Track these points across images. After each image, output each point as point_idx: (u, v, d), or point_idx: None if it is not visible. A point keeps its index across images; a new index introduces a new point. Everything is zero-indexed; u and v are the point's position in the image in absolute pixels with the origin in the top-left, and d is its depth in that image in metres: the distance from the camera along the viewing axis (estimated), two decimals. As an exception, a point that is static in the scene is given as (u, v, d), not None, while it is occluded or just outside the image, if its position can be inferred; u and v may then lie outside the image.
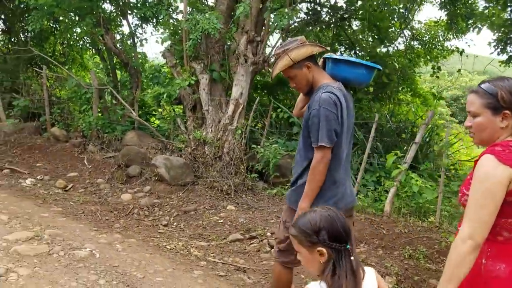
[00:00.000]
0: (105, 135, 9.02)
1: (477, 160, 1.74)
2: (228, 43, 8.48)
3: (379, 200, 6.31)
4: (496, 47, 8.58)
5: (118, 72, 10.48)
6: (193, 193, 6.74)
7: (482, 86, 1.79)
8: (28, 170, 8.07)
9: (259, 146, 7.28)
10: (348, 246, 1.59)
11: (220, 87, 8.33)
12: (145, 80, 9.93)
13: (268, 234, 5.21)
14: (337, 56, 2.99)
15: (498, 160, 1.65)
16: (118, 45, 9.59)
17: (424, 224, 5.67)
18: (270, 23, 7.79)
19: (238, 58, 7.63)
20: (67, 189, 6.98)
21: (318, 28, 10.72)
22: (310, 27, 9.90)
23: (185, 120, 8.41)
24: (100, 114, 9.34)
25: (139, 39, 10.09)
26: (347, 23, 11.14)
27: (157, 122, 10.30)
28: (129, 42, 10.07)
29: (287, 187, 6.99)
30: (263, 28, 7.95)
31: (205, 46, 8.25)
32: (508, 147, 1.70)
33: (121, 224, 5.42)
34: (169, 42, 8.56)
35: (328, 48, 3.00)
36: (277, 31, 8.19)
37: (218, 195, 6.65)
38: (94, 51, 10.87)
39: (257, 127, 8.42)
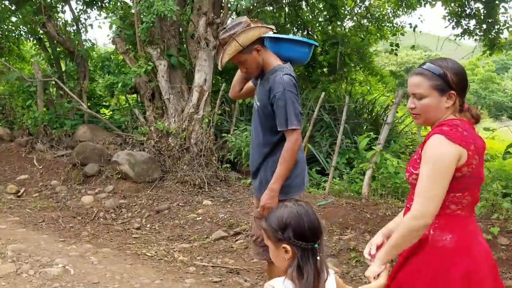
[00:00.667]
0: (53, 131, 8.25)
1: (425, 141, 1.77)
2: (185, 26, 7.95)
3: (354, 182, 6.14)
4: (450, 21, 8.60)
5: (62, 62, 9.61)
6: (162, 190, 6.26)
7: (428, 67, 1.80)
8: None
9: (229, 135, 6.88)
10: (316, 246, 1.55)
11: (179, 73, 7.80)
12: (93, 69, 9.19)
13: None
14: (280, 35, 2.90)
15: (448, 139, 1.70)
16: (61, 32, 8.77)
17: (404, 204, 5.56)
18: (229, 4, 7.35)
19: (198, 42, 7.13)
20: (19, 194, 6.29)
21: (275, 9, 10.34)
22: (269, 8, 9.50)
23: (143, 110, 7.84)
24: (45, 109, 8.52)
25: (84, 25, 9.28)
26: (304, 3, 10.82)
27: (109, 114, 9.61)
28: (73, 29, 9.24)
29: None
30: (221, 9, 7.50)
31: (160, 29, 7.68)
32: (455, 126, 1.74)
33: (88, 232, 4.89)
34: (116, 27, 7.87)
35: (273, 27, 2.73)
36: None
37: (190, 190, 6.21)
38: (33, 41, 9.88)
39: (222, 115, 7.98)
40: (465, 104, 1.85)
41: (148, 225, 5.23)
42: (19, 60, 11.44)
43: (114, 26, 7.62)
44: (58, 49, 9.36)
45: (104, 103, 9.75)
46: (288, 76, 2.59)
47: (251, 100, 7.60)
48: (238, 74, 2.92)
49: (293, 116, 2.54)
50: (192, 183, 6.31)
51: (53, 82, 8.76)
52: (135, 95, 8.11)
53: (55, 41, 9.17)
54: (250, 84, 2.95)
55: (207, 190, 6.22)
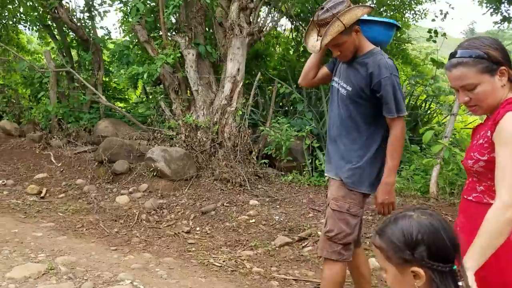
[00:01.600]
0: (69, 126, 7.69)
1: (495, 122, 1.59)
2: (212, 12, 7.42)
3: (412, 180, 5.72)
4: (488, 7, 8.17)
5: (73, 51, 9.00)
6: (200, 188, 5.77)
7: (464, 54, 1.64)
8: (-19, 174, 6.66)
9: (267, 128, 6.40)
10: (455, 267, 1.19)
11: (207, 63, 7.29)
12: (110, 60, 8.61)
13: (319, 233, 4.44)
14: (373, 17, 2.67)
15: None
16: (74, 19, 8.16)
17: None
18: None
19: (232, 28, 6.61)
20: (42, 195, 5.73)
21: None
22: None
23: (168, 103, 7.31)
24: (58, 102, 7.93)
25: (98, 11, 8.67)
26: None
27: (127, 107, 9.04)
28: (86, 15, 8.62)
29: (304, 171, 6.24)
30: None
31: (185, 16, 7.16)
32: None
33: (139, 238, 4.38)
34: (136, 14, 7.28)
35: (372, 7, 2.57)
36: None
37: (230, 188, 5.74)
38: (39, 29, 9.21)
39: (256, 108, 7.48)
40: None
41: (198, 228, 4.74)
42: (18, 50, 10.72)
43: (134, 13, 7.02)
44: (68, 37, 8.77)
45: (120, 96, 9.19)
46: (391, 60, 2.44)
47: (283, 90, 7.12)
48: (311, 59, 2.76)
49: (402, 103, 2.40)
50: (232, 181, 5.83)
51: (65, 73, 8.18)
52: (158, 88, 7.54)
53: (66, 29, 8.57)
54: (325, 69, 2.78)
55: (249, 189, 5.74)
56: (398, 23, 2.72)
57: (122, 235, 4.42)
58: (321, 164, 6.25)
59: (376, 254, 1.30)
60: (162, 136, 6.81)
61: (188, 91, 7.34)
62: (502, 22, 8.02)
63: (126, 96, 9.58)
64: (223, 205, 5.27)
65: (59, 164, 6.83)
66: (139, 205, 5.30)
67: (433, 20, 9.14)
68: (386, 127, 2.48)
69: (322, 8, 2.44)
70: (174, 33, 7.12)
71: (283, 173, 6.40)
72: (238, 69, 6.64)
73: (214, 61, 7.45)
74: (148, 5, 7.22)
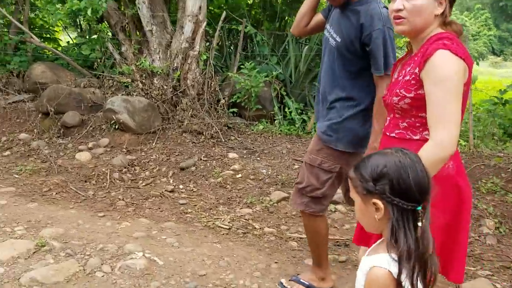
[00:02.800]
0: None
1: (425, 59, 1.54)
2: None
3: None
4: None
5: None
6: (169, 142, 5.27)
7: None
8: None
9: (235, 74, 5.94)
10: (418, 208, 1.17)
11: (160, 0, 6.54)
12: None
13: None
14: None
15: (455, 54, 1.50)
16: None
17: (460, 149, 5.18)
18: None
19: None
20: (-17, 153, 4.90)
21: None
22: None
23: (116, 44, 6.51)
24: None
25: None
26: None
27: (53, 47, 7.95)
28: None
29: (276, 120, 5.96)
30: None
31: None
32: (454, 39, 1.56)
33: (123, 200, 3.87)
34: None
35: None
36: None
37: (202, 141, 5.31)
38: None
39: (219, 52, 6.89)
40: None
41: (181, 186, 4.31)
42: None
43: None
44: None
45: (47, 36, 8.03)
46: (386, 10, 2.06)
47: (249, 31, 6.62)
48: (304, 5, 2.47)
49: (392, 59, 2.13)
50: (203, 132, 5.40)
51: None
52: (102, 26, 6.64)
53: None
54: (319, 16, 2.49)
55: (223, 141, 5.36)
56: None
57: (101, 198, 3.88)
58: (291, 112, 6.00)
59: (350, 186, 1.29)
60: (115, 83, 6.09)
61: (137, 31, 6.57)
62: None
63: (55, 36, 8.42)
64: (200, 159, 4.85)
65: (-11, 113, 5.89)
66: (104, 162, 4.71)
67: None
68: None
69: None
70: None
71: (252, 122, 6.06)
72: (200, 7, 6.00)
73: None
74: None
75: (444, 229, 1.61)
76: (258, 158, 4.97)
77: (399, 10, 1.60)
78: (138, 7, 6.15)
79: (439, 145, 1.50)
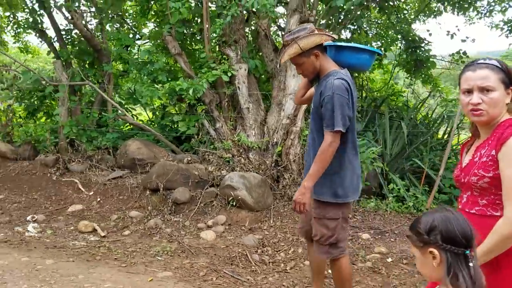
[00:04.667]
0: (86, 148, 6.57)
1: (501, 142, 1.70)
2: (255, 24, 6.81)
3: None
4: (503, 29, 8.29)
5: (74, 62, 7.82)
6: (286, 219, 5.07)
7: (491, 62, 1.76)
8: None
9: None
10: (467, 252, 1.41)
11: (253, 79, 6.64)
12: (125, 69, 7.57)
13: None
14: (341, 43, 2.93)
15: None
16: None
17: None
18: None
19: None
20: (103, 234, 4.67)
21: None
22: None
23: (210, 122, 6.50)
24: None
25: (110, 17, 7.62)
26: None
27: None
28: (95, 22, 7.54)
29: (389, 197, 5.77)
30: (309, 5, 6.51)
31: (229, 28, 6.47)
32: None
33: None
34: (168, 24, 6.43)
35: (336, 37, 2.84)
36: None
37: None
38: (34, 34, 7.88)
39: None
40: None
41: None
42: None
43: (176, 17, 6.18)
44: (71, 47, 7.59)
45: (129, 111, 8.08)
46: (340, 80, 2.64)
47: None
48: (303, 80, 3.02)
49: (339, 118, 2.60)
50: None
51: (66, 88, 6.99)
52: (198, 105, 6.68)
53: (73, 37, 7.46)
54: (312, 90, 3.01)
55: (340, 218, 5.14)
56: (374, 49, 2.99)
57: (264, 284, 3.60)
58: (399, 189, 5.83)
59: (410, 245, 1.55)
60: (217, 159, 6.00)
61: (229, 109, 6.59)
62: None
63: (134, 113, 8.49)
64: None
65: (91, 193, 5.75)
66: (233, 242, 4.48)
67: (464, 40, 8.98)
68: (342, 141, 2.68)
69: (289, 31, 2.79)
70: (222, 46, 6.38)
71: (369, 197, 5.87)
72: (302, 86, 6.06)
73: (259, 76, 6.83)
74: (188, 11, 6.38)
75: None
76: (392, 239, 4.73)
77: (478, 104, 1.75)
78: (238, 87, 6.24)
79: (510, 222, 1.63)
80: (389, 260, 4.20)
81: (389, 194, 5.76)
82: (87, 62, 7.52)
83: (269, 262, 4.15)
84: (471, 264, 1.40)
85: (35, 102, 7.29)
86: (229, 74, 6.04)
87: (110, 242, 4.45)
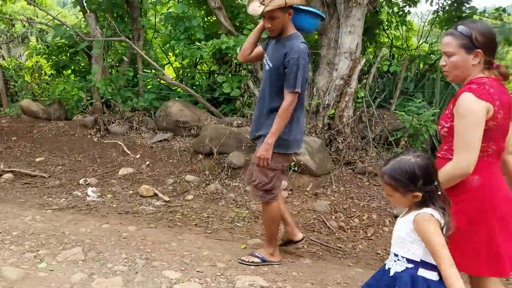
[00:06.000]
0: (123, 108, 6.27)
1: (456, 98, 1.96)
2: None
3: None
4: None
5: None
6: (349, 184, 4.90)
7: (458, 28, 2.00)
8: (35, 170, 5.15)
9: (401, 112, 5.62)
10: (435, 183, 1.72)
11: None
12: (160, 25, 7.17)
13: None
14: (304, 6, 2.96)
15: (476, 96, 1.89)
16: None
17: None
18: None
19: (353, -4, 5.67)
20: (167, 198, 4.48)
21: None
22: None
23: (257, 82, 6.21)
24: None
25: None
26: None
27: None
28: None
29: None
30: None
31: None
32: (482, 84, 1.94)
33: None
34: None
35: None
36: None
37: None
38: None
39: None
40: (494, 62, 2.02)
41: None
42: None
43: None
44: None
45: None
46: (304, 44, 2.83)
47: (396, 69, 6.35)
48: (250, 38, 3.13)
49: (300, 81, 2.78)
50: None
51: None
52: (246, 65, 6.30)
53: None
54: (259, 48, 3.14)
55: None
56: (323, 14, 3.07)
57: (364, 252, 3.46)
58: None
59: (385, 188, 1.80)
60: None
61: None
62: None
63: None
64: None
65: (138, 156, 5.52)
66: (303, 208, 4.33)
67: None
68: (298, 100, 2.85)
69: None
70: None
71: None
72: (357, 44, 5.77)
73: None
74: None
75: (462, 229, 1.89)
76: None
77: (443, 66, 2.07)
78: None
79: (456, 166, 1.91)
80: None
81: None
82: (116, 15, 7.06)
83: (347, 229, 4.01)
84: (439, 192, 1.72)
85: (65, 59, 6.89)
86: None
87: (178, 207, 4.26)
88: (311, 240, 3.63)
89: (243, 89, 6.10)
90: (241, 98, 6.07)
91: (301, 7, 2.91)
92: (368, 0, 5.76)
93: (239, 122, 5.73)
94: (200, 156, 5.26)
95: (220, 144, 5.20)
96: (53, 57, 6.86)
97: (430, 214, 1.68)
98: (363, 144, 5.59)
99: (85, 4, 6.81)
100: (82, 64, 7.13)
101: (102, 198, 4.42)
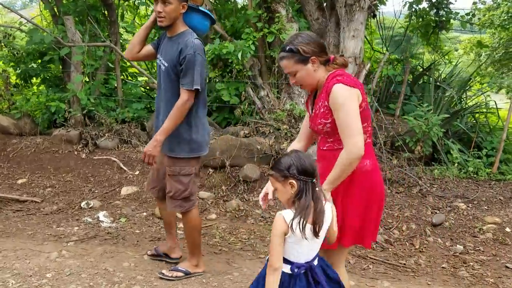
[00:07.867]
0: (105, 119, 5.68)
1: (327, 94, 2.06)
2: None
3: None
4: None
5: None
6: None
7: (286, 49, 2.12)
8: (23, 194, 4.53)
9: (409, 117, 5.52)
10: (314, 180, 1.81)
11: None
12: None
13: None
14: (197, 6, 2.89)
15: (346, 84, 2.01)
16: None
17: None
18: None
19: (357, 0, 5.52)
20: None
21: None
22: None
23: (256, 89, 5.89)
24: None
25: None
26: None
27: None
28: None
29: (455, 164, 5.56)
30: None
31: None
32: (341, 74, 2.08)
33: (422, 263, 3.28)
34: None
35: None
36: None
37: (401, 191, 4.81)
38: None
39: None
40: (330, 57, 2.16)
41: (471, 246, 3.78)
42: None
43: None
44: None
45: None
46: (199, 40, 2.73)
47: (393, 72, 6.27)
48: (138, 35, 2.97)
49: (198, 78, 2.67)
50: (401, 182, 4.90)
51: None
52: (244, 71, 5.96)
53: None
54: (149, 47, 2.99)
55: (426, 190, 4.88)
56: (213, 16, 3.02)
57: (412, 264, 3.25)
58: (456, 157, 5.66)
59: (271, 181, 1.95)
60: (270, 130, 5.44)
61: (270, 76, 6.02)
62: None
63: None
64: (429, 213, 4.35)
65: (136, 173, 5.02)
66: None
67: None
68: (196, 99, 2.73)
69: None
70: (272, 1, 5.71)
71: (414, 166, 5.62)
72: (361, 49, 5.63)
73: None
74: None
75: (359, 209, 2.09)
76: (486, 208, 4.55)
77: (295, 84, 2.21)
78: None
79: (351, 151, 1.96)
80: (508, 230, 4.00)
81: (454, 160, 5.57)
82: (92, 18, 6.44)
83: (393, 242, 3.81)
84: (316, 189, 1.80)
85: (36, 67, 6.18)
86: (283, 35, 5.44)
87: (207, 228, 3.85)
88: (371, 258, 3.38)
89: (243, 97, 5.76)
90: (241, 106, 5.72)
91: (194, 6, 2.83)
92: (371, 2, 5.66)
93: (246, 132, 5.38)
94: (210, 170, 4.86)
95: (232, 156, 4.83)
96: (22, 65, 6.11)
97: (282, 216, 1.75)
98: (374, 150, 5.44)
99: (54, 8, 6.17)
100: (53, 73, 6.46)
101: (116, 223, 3.91)
